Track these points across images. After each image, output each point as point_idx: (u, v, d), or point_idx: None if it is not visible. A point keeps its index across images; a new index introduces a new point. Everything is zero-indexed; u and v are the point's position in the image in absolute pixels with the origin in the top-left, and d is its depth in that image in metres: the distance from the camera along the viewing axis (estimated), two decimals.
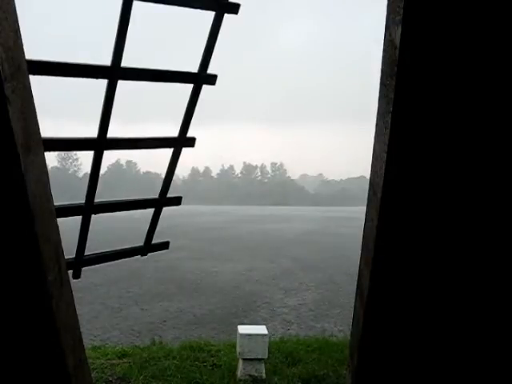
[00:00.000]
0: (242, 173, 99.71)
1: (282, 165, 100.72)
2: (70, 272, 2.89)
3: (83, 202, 2.97)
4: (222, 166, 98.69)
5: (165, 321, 9.62)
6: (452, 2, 1.71)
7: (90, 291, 11.70)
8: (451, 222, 2.09)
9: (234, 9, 2.80)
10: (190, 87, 3.02)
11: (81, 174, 78.92)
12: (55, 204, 2.18)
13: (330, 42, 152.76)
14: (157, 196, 3.38)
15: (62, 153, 69.48)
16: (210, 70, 2.98)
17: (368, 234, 2.27)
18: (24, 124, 1.76)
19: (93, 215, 3.06)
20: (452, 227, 2.10)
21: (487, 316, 2.29)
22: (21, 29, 1.73)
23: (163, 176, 3.41)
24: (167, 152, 3.24)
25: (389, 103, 1.88)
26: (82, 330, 2.49)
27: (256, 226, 31.93)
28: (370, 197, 2.21)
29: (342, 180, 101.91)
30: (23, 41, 1.76)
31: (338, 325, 9.23)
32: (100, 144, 2.80)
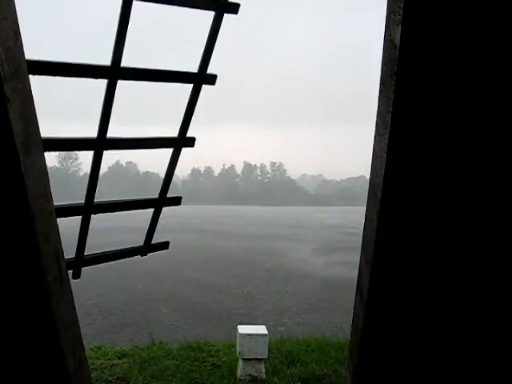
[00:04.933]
0: (242, 172, 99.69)
1: (281, 165, 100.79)
2: (70, 272, 2.89)
3: (83, 201, 2.97)
4: (223, 165, 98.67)
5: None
6: (452, 2, 1.71)
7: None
8: (451, 222, 2.09)
9: (234, 9, 2.80)
10: (189, 87, 3.02)
11: (81, 174, 78.90)
12: (55, 204, 2.18)
13: (330, 42, 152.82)
14: (157, 196, 3.38)
15: (63, 153, 69.39)
16: (210, 70, 2.98)
17: (368, 233, 2.27)
18: (24, 124, 1.76)
19: (92, 215, 3.06)
20: (452, 227, 2.10)
21: (487, 316, 2.29)
22: (21, 29, 1.73)
23: (163, 176, 3.41)
24: (167, 152, 3.24)
25: (389, 103, 1.88)
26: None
27: None
28: (370, 197, 2.21)
29: (342, 180, 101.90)
30: (23, 41, 1.76)
31: None
32: (100, 144, 2.80)
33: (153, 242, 3.59)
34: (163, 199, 3.39)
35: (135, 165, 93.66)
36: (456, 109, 1.87)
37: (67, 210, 2.88)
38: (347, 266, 15.03)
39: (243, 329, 5.76)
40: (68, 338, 2.22)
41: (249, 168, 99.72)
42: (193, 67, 2.92)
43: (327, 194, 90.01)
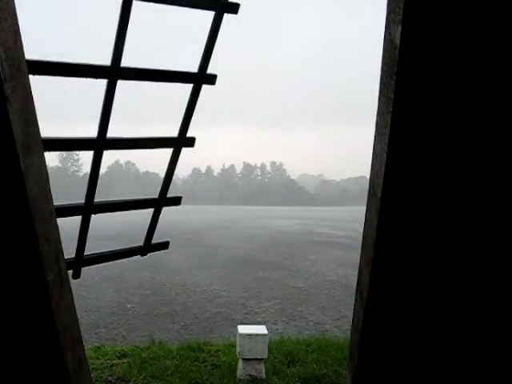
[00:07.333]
0: (241, 173, 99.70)
1: (281, 164, 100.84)
2: (70, 272, 2.89)
3: (83, 202, 2.97)
4: (223, 165, 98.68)
5: None
6: (452, 2, 1.71)
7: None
8: (452, 222, 2.09)
9: (234, 8, 2.80)
10: (190, 87, 3.02)
11: (81, 174, 78.98)
12: (55, 204, 2.18)
13: (331, 42, 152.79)
14: (156, 196, 3.38)
15: (63, 153, 69.43)
16: (211, 70, 2.98)
17: (368, 233, 2.27)
18: (24, 124, 1.76)
19: (92, 215, 3.06)
20: (453, 227, 2.10)
21: (488, 315, 2.29)
22: (21, 29, 1.73)
23: (163, 176, 3.41)
24: (167, 152, 3.24)
25: (389, 103, 1.88)
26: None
27: None
28: (370, 197, 2.21)
29: (342, 180, 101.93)
30: (23, 41, 1.76)
31: None
32: (100, 144, 2.80)
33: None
34: (163, 199, 3.39)
35: (134, 165, 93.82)
36: (456, 109, 1.87)
37: (67, 210, 2.88)
38: None
39: (243, 329, 5.75)
40: (68, 338, 2.22)
41: (249, 168, 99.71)
42: (193, 67, 2.93)
43: (327, 194, 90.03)
